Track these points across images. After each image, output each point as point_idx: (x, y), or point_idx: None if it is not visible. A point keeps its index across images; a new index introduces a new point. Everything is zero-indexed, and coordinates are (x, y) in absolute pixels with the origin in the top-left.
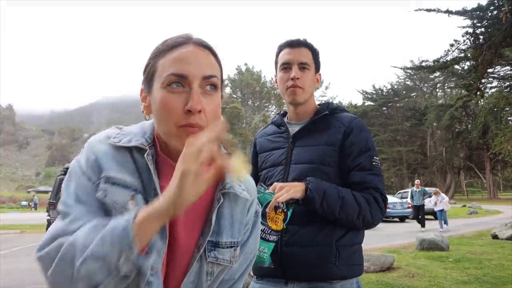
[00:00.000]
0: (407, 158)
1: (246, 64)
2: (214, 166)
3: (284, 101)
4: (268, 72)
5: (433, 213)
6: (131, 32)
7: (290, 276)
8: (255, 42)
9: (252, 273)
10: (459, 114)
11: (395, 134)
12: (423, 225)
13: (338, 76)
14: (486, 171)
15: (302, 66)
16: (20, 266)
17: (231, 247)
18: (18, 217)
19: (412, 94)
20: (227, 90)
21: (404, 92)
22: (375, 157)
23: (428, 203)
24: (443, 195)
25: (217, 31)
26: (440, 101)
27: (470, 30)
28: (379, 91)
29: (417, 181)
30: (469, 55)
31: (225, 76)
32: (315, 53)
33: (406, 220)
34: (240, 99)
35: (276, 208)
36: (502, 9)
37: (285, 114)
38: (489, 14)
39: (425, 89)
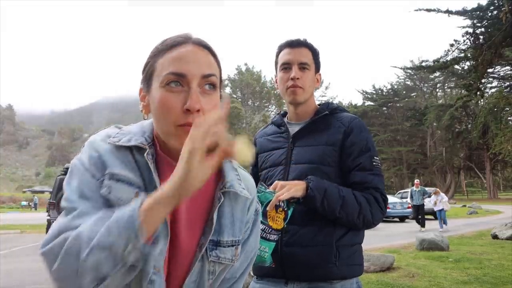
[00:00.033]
0: (407, 158)
1: (246, 64)
2: (219, 150)
3: (284, 101)
4: (268, 72)
5: (433, 213)
6: (131, 32)
7: (290, 276)
8: (255, 42)
9: (252, 273)
10: (459, 114)
11: (395, 134)
12: (423, 225)
13: (338, 76)
14: (486, 171)
15: (302, 66)
16: (20, 266)
17: (232, 245)
18: (18, 217)
19: (412, 94)
20: (227, 90)
21: (404, 92)
22: (375, 157)
23: (428, 203)
24: (442, 194)
25: (217, 31)
26: (440, 101)
27: (470, 30)
28: (379, 91)
29: (416, 181)
30: (469, 55)
31: (225, 76)
32: (315, 53)
33: (406, 220)
34: (240, 99)
35: (277, 207)
36: (502, 9)
37: (285, 114)
38: (489, 14)
39: (425, 89)
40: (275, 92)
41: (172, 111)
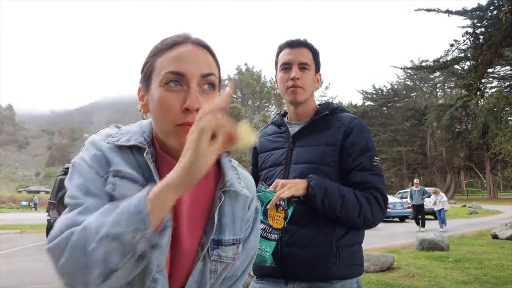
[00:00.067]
0: (407, 158)
1: (246, 64)
2: (222, 134)
3: (284, 101)
4: (268, 72)
5: (433, 213)
6: (131, 32)
7: (290, 276)
8: (255, 42)
9: (252, 273)
10: (459, 114)
11: (395, 134)
12: (423, 225)
13: (338, 76)
14: (486, 171)
15: (302, 66)
16: (20, 266)
17: (234, 244)
18: (18, 217)
19: (412, 94)
20: (227, 90)
21: (404, 92)
22: (375, 157)
23: (428, 203)
24: (442, 194)
25: (217, 31)
26: (440, 101)
27: (470, 30)
28: (379, 91)
29: (416, 181)
30: (469, 55)
31: (225, 76)
32: (315, 53)
33: (406, 220)
34: (240, 99)
35: (277, 206)
36: (502, 9)
37: (285, 114)
38: (489, 14)
39: (425, 89)
40: (275, 92)
41: (171, 110)
